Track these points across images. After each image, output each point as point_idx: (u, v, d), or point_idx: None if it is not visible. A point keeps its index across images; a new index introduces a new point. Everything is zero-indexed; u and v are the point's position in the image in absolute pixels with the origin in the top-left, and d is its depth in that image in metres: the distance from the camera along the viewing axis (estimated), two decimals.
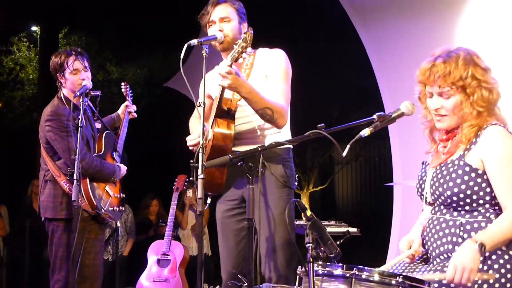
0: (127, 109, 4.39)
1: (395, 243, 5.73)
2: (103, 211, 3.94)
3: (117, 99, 11.76)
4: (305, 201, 8.61)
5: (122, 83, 4.52)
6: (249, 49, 3.28)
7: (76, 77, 3.95)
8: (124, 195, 4.21)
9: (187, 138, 3.31)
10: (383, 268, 2.58)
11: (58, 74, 3.99)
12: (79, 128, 3.72)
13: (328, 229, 3.57)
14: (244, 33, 2.89)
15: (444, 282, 2.29)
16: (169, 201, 5.70)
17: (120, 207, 4.13)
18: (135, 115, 4.43)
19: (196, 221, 7.07)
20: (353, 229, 4.88)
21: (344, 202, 12.15)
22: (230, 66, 2.87)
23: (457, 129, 2.54)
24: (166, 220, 5.92)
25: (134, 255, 7.27)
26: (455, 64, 2.45)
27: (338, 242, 3.88)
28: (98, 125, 4.25)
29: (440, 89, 2.49)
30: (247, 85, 2.97)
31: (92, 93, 4.07)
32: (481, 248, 2.25)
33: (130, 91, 4.49)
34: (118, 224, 4.12)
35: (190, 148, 3.31)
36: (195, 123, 3.51)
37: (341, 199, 12.18)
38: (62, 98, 3.97)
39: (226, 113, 3.16)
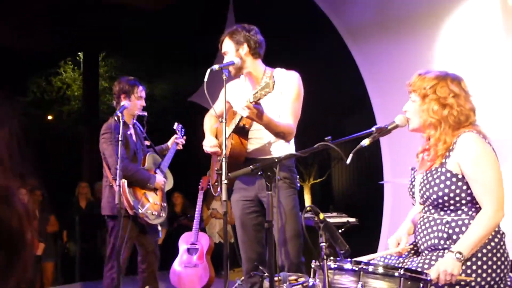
0: (175, 140, 4.47)
1: (385, 235, 5.64)
2: (140, 211, 3.95)
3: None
4: (307, 192, 8.64)
5: (176, 123, 4.59)
6: (268, 70, 3.25)
7: (140, 102, 4.12)
8: (165, 204, 4.24)
9: (207, 143, 3.30)
10: (370, 256, 2.54)
11: (123, 95, 4.07)
12: (119, 141, 3.77)
13: (331, 220, 3.50)
14: (269, 79, 2.71)
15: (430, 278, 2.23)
16: (196, 199, 5.69)
17: (161, 213, 4.14)
18: (181, 147, 4.50)
19: (223, 225, 7.05)
20: (352, 219, 4.81)
21: (340, 193, 12.08)
22: (253, 103, 2.76)
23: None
24: (192, 214, 5.89)
25: (164, 243, 7.24)
26: (425, 77, 2.44)
27: (340, 231, 3.81)
28: (147, 143, 4.31)
29: (409, 94, 2.50)
30: (265, 117, 2.91)
31: (138, 113, 4.18)
32: (459, 256, 2.23)
33: (183, 129, 4.58)
34: (159, 227, 4.16)
35: (207, 151, 3.31)
36: (209, 122, 3.50)
37: (337, 190, 12.11)
38: (115, 118, 3.96)
39: (241, 129, 3.17)
